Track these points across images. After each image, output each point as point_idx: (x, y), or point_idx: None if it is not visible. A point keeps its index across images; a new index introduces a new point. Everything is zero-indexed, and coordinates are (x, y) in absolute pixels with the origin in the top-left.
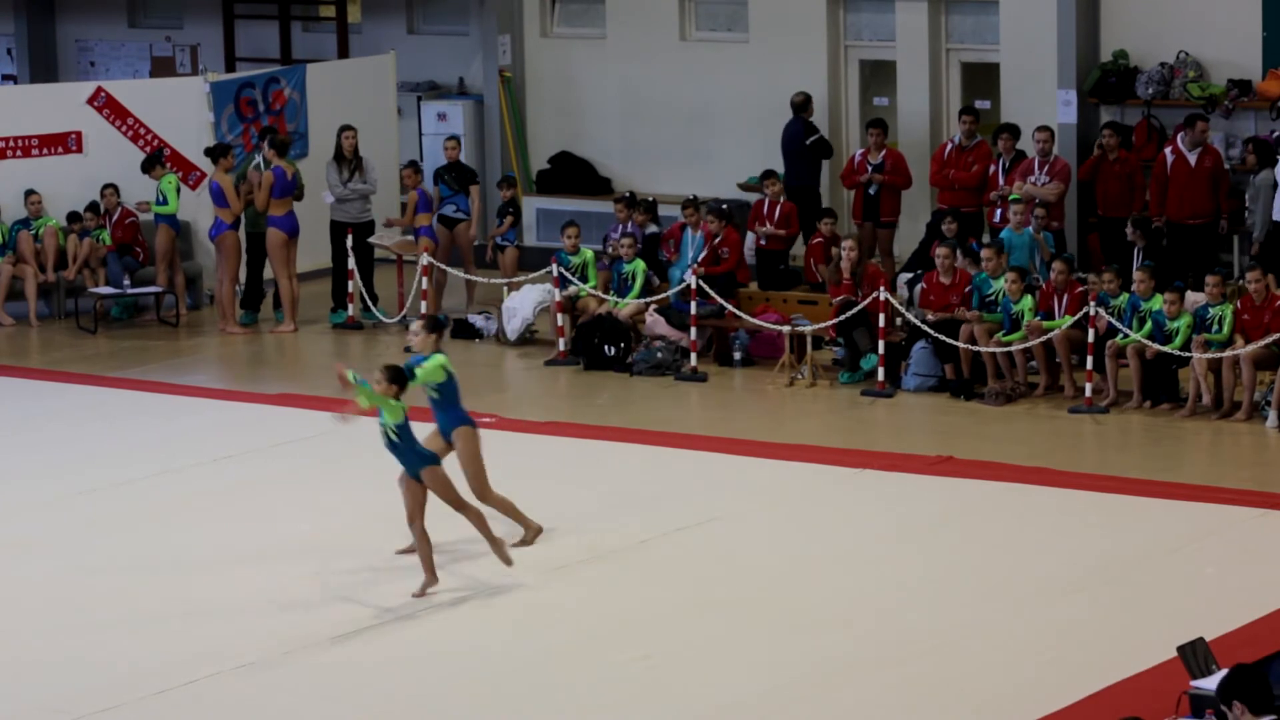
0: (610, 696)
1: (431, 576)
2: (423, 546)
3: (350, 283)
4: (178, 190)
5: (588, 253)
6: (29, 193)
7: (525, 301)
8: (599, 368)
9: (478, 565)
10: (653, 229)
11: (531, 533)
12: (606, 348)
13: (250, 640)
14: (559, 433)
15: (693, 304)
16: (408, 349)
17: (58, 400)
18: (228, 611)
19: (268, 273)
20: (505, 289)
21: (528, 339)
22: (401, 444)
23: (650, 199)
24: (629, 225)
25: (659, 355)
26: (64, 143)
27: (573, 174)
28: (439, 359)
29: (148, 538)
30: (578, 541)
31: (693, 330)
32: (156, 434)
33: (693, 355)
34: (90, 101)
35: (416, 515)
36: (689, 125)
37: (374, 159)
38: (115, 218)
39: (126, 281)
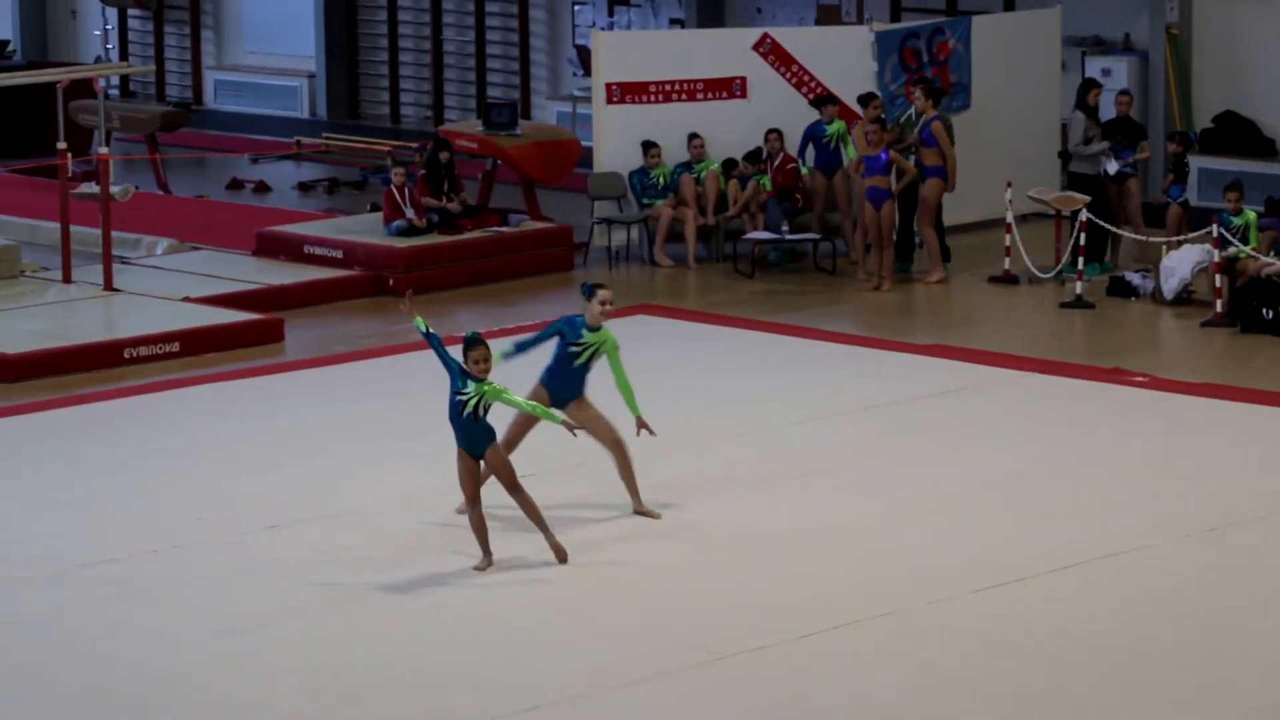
0: (1247, 666)
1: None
2: (484, 525)
3: (1007, 236)
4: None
5: (1250, 214)
6: (692, 136)
7: (1184, 261)
8: (1256, 331)
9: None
10: None
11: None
12: (1265, 311)
13: (885, 588)
14: (1211, 394)
15: None
16: None
17: (712, 342)
18: (861, 552)
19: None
20: (1164, 248)
21: (1184, 299)
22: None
23: None
24: None
25: None
26: (728, 88)
27: (1237, 134)
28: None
29: (785, 483)
30: (1218, 504)
31: None
32: (806, 380)
33: None
34: (756, 48)
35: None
36: None
37: (1036, 113)
38: (777, 163)
39: (785, 227)
